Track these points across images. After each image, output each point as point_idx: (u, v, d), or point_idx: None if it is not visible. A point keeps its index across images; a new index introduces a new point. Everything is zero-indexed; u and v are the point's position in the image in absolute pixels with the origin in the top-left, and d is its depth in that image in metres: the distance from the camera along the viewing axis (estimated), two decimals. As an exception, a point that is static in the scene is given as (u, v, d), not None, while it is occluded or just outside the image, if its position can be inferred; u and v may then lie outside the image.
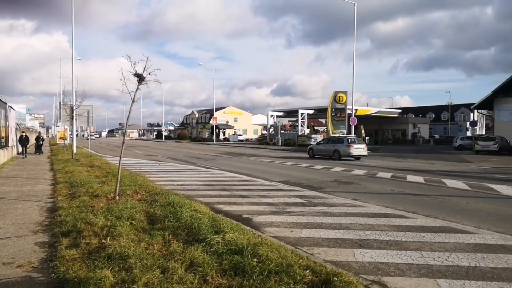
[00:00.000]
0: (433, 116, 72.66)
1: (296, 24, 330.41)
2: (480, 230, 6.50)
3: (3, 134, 19.91)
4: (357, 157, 23.80)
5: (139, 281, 3.74)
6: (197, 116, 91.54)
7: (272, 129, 54.45)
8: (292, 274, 3.94)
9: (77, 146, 25.97)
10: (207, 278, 3.92)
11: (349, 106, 37.25)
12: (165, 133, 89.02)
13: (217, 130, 67.45)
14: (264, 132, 71.39)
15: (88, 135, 44.93)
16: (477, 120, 41.39)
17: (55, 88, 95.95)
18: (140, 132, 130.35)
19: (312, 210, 8.06)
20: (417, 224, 6.93)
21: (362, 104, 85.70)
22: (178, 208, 6.74)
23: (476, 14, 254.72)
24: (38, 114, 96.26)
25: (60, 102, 30.58)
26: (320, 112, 49.77)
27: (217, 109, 71.51)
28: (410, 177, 14.36)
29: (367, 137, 50.14)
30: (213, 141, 61.97)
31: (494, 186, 12.00)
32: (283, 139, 48.90)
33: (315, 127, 64.21)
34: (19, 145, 25.25)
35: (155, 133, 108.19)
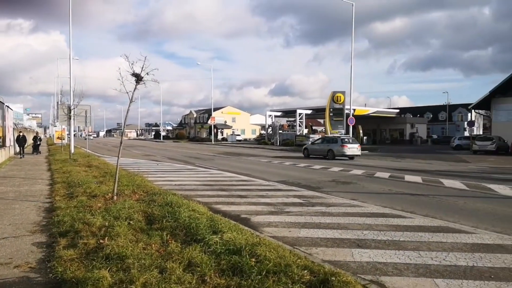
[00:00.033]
0: (431, 116, 72.75)
1: (294, 24, 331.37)
2: (478, 230, 6.52)
3: (0, 134, 19.85)
4: (351, 157, 24.21)
5: (137, 281, 3.73)
6: (195, 116, 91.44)
7: (270, 129, 54.43)
8: (290, 274, 3.94)
9: (74, 146, 25.93)
10: (205, 278, 3.91)
11: (347, 106, 37.30)
12: (163, 133, 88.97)
13: (215, 130, 67.39)
14: (262, 132, 71.37)
15: (86, 135, 44.88)
16: (474, 120, 41.65)
17: (53, 87, 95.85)
18: (138, 132, 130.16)
19: (310, 210, 8.07)
20: (415, 224, 6.94)
21: (360, 104, 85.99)
22: (176, 208, 6.74)
23: (474, 14, 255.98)
24: (35, 114, 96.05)
25: (57, 102, 30.45)
26: (318, 112, 49.78)
27: (215, 109, 71.47)
28: (408, 177, 14.39)
29: (365, 137, 50.30)
30: (211, 141, 61.93)
31: (491, 186, 12.03)
32: (281, 139, 48.90)
33: (314, 127, 64.18)
34: (16, 145, 25.18)
35: (153, 133, 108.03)
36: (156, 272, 4.00)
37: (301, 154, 27.87)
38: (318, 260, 4.77)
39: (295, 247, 5.38)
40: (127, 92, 7.93)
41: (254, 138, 73.95)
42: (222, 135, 77.31)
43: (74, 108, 19.76)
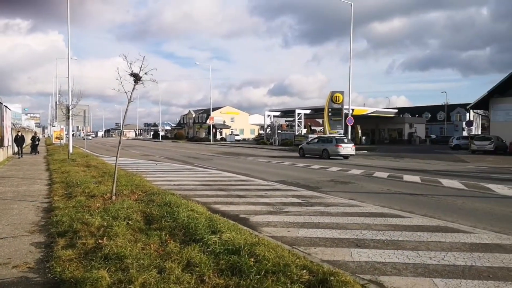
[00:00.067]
0: (429, 116, 72.84)
1: (292, 24, 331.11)
2: (476, 230, 6.54)
3: (-2, 134, 19.78)
4: (346, 156, 24.55)
5: (136, 282, 3.73)
6: (194, 116, 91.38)
7: (269, 129, 54.46)
8: (289, 273, 3.94)
9: (73, 146, 25.89)
10: (204, 278, 3.91)
11: (345, 106, 37.32)
12: (162, 133, 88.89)
13: (214, 130, 67.34)
14: (261, 132, 71.34)
15: (85, 135, 44.83)
16: (473, 120, 41.59)
17: (51, 87, 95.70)
18: (137, 132, 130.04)
19: (309, 210, 8.07)
20: (413, 223, 6.95)
21: (358, 104, 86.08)
22: (175, 208, 6.73)
23: (472, 15, 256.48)
24: (34, 114, 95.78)
25: (56, 102, 30.45)
26: (317, 112, 49.82)
27: (214, 109, 71.39)
28: (407, 177, 14.41)
29: (363, 137, 50.38)
30: (210, 141, 61.87)
31: (490, 185, 12.06)
32: (280, 139, 48.90)
33: (312, 127, 64.21)
34: (14, 145, 25.12)
35: (152, 133, 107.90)
36: (155, 272, 4.00)
37: (300, 154, 27.89)
38: (317, 260, 4.77)
39: (294, 247, 5.38)
40: (126, 92, 7.92)
41: (253, 138, 73.97)
42: (221, 135, 77.32)
43: (72, 108, 19.73)
